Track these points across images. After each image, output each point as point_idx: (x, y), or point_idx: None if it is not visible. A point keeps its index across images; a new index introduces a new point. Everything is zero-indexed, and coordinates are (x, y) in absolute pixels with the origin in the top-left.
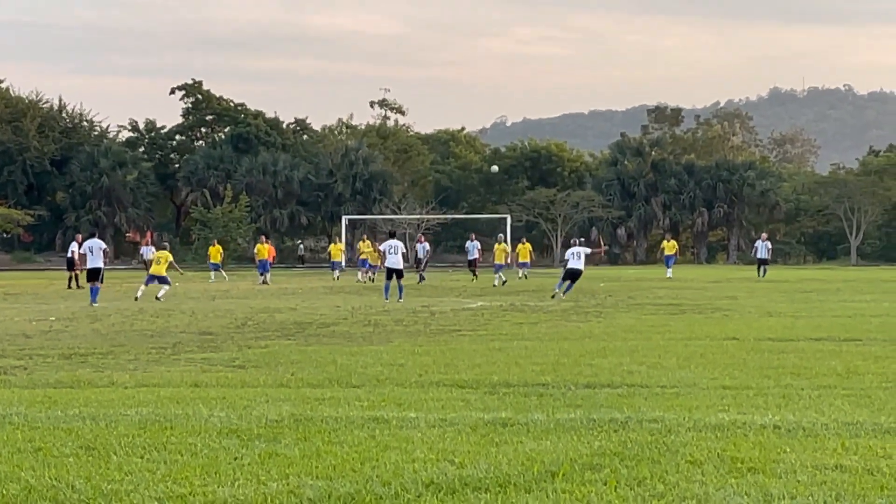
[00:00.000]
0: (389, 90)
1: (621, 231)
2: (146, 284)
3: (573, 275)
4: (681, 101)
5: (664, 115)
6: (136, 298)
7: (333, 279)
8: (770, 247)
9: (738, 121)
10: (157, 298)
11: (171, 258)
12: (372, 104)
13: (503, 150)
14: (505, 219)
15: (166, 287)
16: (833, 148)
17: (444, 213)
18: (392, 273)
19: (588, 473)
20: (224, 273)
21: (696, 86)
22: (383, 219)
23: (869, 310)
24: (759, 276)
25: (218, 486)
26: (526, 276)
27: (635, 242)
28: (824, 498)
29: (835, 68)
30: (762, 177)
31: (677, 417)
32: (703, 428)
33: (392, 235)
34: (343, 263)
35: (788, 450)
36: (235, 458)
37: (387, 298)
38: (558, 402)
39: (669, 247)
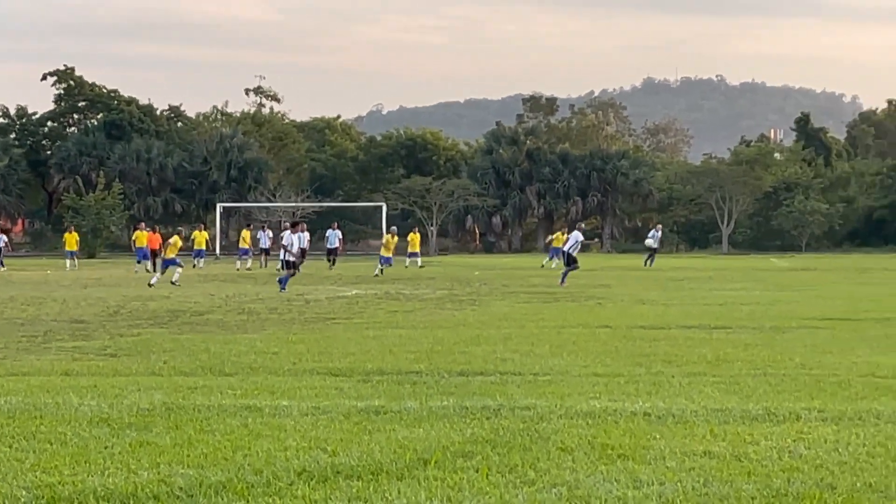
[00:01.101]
0: (265, 77)
1: (496, 219)
2: (162, 271)
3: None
4: (556, 90)
5: (539, 105)
6: (150, 285)
7: (195, 267)
8: (659, 236)
9: (612, 110)
10: (172, 283)
11: (181, 243)
12: (247, 91)
13: (379, 138)
14: (380, 207)
15: (179, 269)
16: (706, 138)
17: (319, 202)
18: (292, 264)
19: (460, 461)
20: (76, 261)
21: (570, 75)
22: (258, 207)
23: (739, 298)
24: (646, 265)
25: (88, 476)
26: (420, 266)
27: (510, 231)
28: (692, 484)
29: (707, 59)
30: (636, 166)
31: (549, 405)
32: (575, 415)
33: (294, 227)
34: (213, 252)
35: (658, 436)
36: (106, 447)
37: (285, 290)
38: (431, 390)
39: (559, 239)
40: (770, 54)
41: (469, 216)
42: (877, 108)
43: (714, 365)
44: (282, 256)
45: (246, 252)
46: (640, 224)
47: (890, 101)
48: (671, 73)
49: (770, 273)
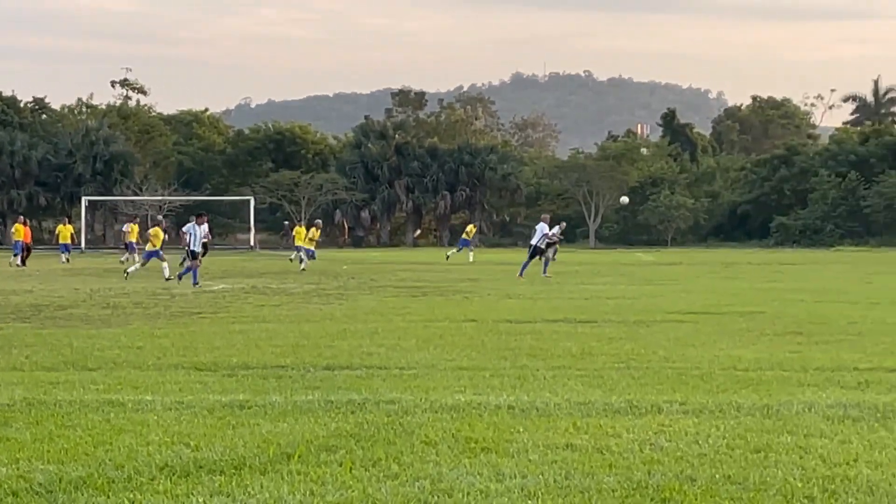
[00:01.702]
0: (131, 70)
1: (365, 214)
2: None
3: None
4: (424, 84)
5: (408, 99)
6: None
7: (62, 262)
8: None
9: (481, 105)
10: (166, 279)
11: (162, 235)
12: (113, 84)
13: (247, 131)
14: (248, 201)
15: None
16: (573, 133)
17: (186, 195)
18: (196, 255)
19: (324, 455)
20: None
21: (439, 69)
22: (124, 200)
23: (605, 292)
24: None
25: None
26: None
27: (379, 225)
28: (554, 476)
29: (575, 54)
30: (504, 160)
31: (414, 399)
32: (440, 409)
33: (198, 217)
34: (78, 246)
35: (521, 429)
36: None
37: (197, 283)
38: (297, 385)
39: (471, 232)
40: (637, 50)
41: (337, 210)
42: (741, 105)
43: (578, 358)
44: (190, 247)
45: (132, 246)
46: (507, 218)
47: (754, 98)
48: (539, 69)
49: (636, 267)
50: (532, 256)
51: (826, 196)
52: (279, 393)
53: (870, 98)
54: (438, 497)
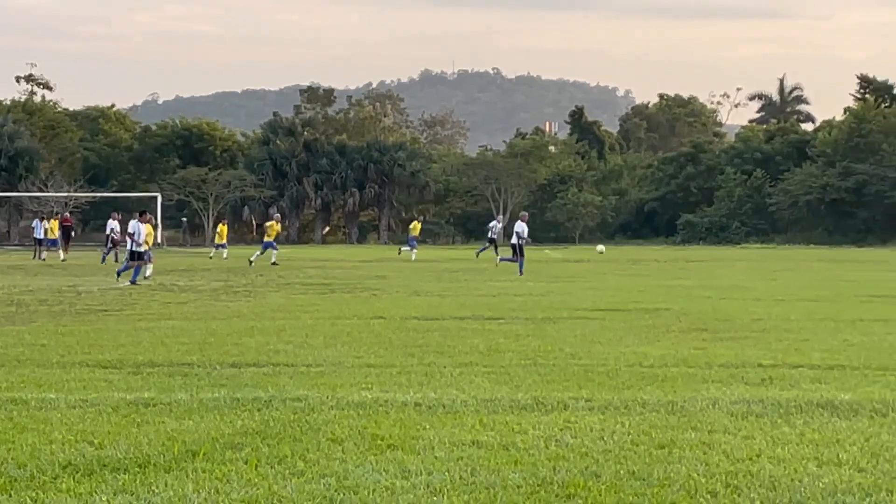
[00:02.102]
0: (36, 65)
1: (273, 210)
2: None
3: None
4: (333, 81)
5: (317, 96)
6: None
7: None
8: (500, 227)
9: (390, 102)
10: (145, 278)
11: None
12: (18, 79)
13: (154, 127)
14: (156, 197)
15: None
16: (482, 130)
17: (92, 192)
18: (139, 255)
19: (229, 452)
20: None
21: (348, 66)
22: (30, 196)
23: (513, 289)
24: (477, 255)
25: None
26: (224, 257)
27: (287, 222)
28: (460, 473)
29: (484, 52)
30: (412, 158)
31: (321, 396)
32: (346, 406)
33: (141, 215)
34: None
35: (428, 426)
36: None
37: (136, 281)
38: (203, 382)
39: (416, 228)
40: (545, 48)
41: (246, 207)
42: (648, 102)
43: (486, 355)
44: (129, 246)
45: (55, 242)
46: (416, 215)
47: (661, 96)
48: (448, 66)
49: (544, 264)
50: (518, 254)
51: (732, 194)
52: (185, 391)
53: (775, 96)
54: (344, 494)
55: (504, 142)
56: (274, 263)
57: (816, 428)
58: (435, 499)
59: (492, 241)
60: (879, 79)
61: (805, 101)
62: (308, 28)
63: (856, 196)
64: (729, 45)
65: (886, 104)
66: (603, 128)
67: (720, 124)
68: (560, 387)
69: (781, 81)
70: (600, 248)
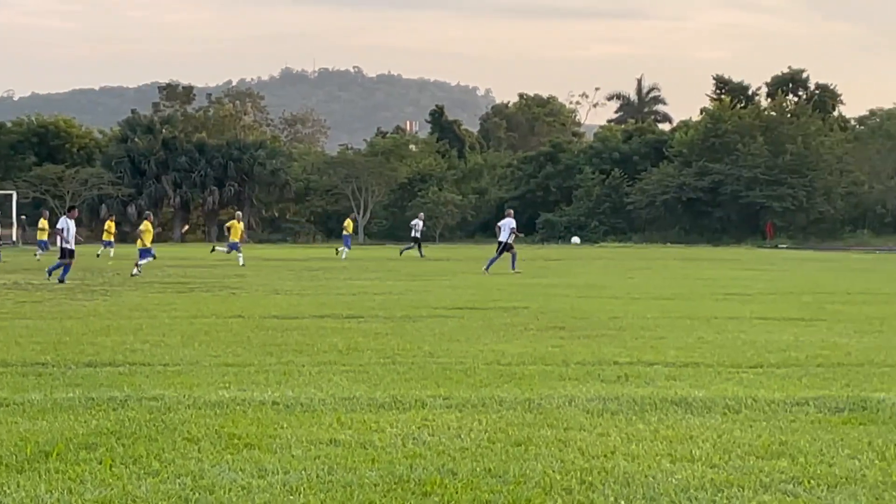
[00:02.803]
0: None
1: (131, 209)
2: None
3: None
4: (192, 78)
5: (175, 93)
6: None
7: None
8: (421, 225)
9: (250, 100)
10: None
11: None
12: None
13: (9, 124)
14: (10, 195)
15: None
16: (343, 129)
17: None
18: (70, 252)
19: (83, 452)
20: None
21: (207, 64)
22: None
23: (372, 288)
24: (402, 252)
25: None
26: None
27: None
28: (317, 472)
29: (345, 50)
30: (272, 156)
31: (177, 395)
32: (203, 405)
33: (69, 211)
34: None
35: (286, 425)
36: None
37: (63, 281)
38: (57, 382)
39: (348, 225)
40: (406, 47)
41: (103, 205)
42: (508, 102)
43: (344, 354)
44: (58, 244)
45: None
46: (276, 214)
47: (521, 95)
48: (309, 64)
49: (404, 263)
50: (501, 252)
51: (591, 193)
52: (39, 390)
53: (633, 97)
54: (200, 494)
55: (365, 140)
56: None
57: (670, 425)
58: (291, 497)
59: (415, 239)
60: (735, 79)
61: (662, 102)
62: (166, 24)
63: (711, 195)
64: (587, 46)
65: (742, 104)
66: (463, 127)
67: (579, 124)
68: (418, 385)
69: (639, 82)
70: (575, 239)
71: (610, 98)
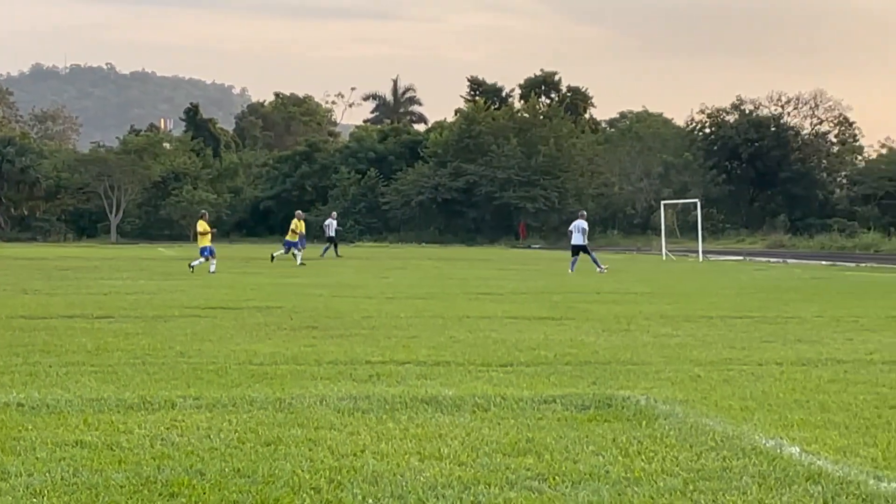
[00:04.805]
0: None
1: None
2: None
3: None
4: None
5: None
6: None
7: None
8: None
9: None
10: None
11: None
12: None
13: None
14: None
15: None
16: (96, 126)
17: None
18: None
19: None
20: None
21: None
22: None
23: (125, 287)
24: (324, 255)
25: None
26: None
27: None
28: (62, 474)
29: (97, 46)
30: (22, 153)
31: None
32: None
33: None
34: None
35: (31, 427)
36: None
37: None
38: None
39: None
40: (161, 44)
41: None
42: (264, 101)
43: (93, 354)
44: None
45: None
46: (26, 212)
47: (277, 94)
48: (60, 60)
49: (157, 262)
50: (587, 252)
51: (347, 193)
52: None
53: (389, 97)
54: None
55: (118, 138)
56: (301, 264)
57: (420, 423)
58: (34, 500)
59: (330, 239)
60: (489, 81)
61: (418, 102)
62: None
63: (466, 196)
64: (343, 45)
65: (495, 106)
66: (219, 125)
67: (335, 124)
68: (168, 385)
69: (395, 82)
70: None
71: (366, 98)
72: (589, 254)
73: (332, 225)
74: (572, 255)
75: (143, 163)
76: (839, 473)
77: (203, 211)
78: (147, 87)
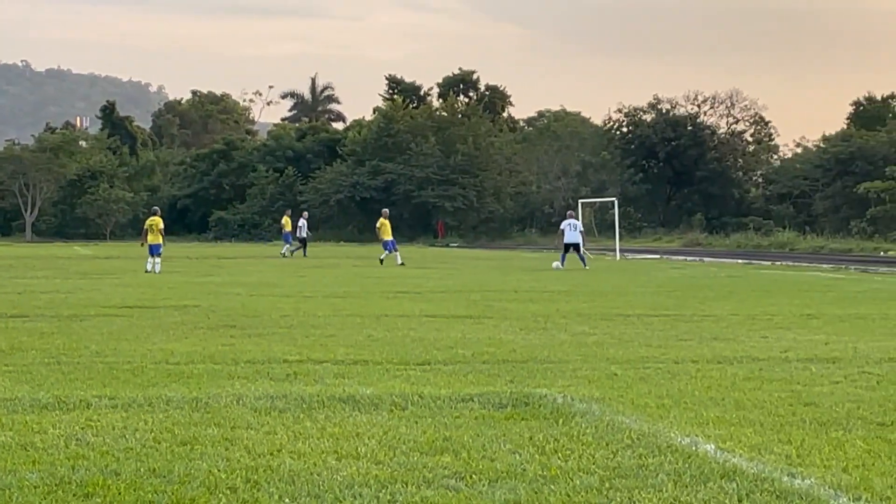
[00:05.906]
0: None
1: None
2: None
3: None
4: None
5: None
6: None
7: None
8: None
9: None
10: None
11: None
12: None
13: None
14: None
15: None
16: (10, 124)
17: None
18: None
19: None
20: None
21: None
22: None
23: (40, 286)
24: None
25: None
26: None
27: None
28: None
29: (12, 43)
30: None
31: None
32: None
33: None
34: None
35: None
36: None
37: None
38: None
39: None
40: (77, 40)
41: None
42: (182, 99)
43: (7, 354)
44: None
45: None
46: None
47: (194, 92)
48: None
49: (73, 261)
50: (577, 251)
51: (264, 191)
52: None
53: (307, 95)
54: None
55: (33, 136)
56: (401, 264)
57: (337, 422)
58: None
59: (302, 240)
60: (407, 79)
61: (336, 101)
62: None
63: (385, 195)
64: (261, 43)
65: (414, 105)
66: (135, 123)
67: (253, 122)
68: (83, 385)
69: (313, 80)
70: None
71: (284, 96)
72: (578, 252)
73: (304, 226)
74: (563, 252)
75: (58, 161)
76: (754, 470)
77: (156, 207)
78: (63, 84)
